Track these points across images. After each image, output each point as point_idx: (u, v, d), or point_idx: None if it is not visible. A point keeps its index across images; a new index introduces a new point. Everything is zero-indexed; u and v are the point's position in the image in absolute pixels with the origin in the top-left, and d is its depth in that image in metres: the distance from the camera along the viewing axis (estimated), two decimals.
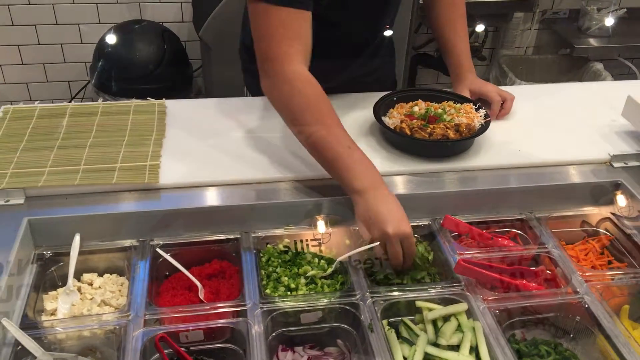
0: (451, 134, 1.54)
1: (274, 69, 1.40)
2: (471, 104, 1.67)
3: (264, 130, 1.68)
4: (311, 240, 1.45)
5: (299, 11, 1.39)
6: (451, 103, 1.68)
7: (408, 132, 1.56)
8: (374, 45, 1.83)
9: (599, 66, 3.75)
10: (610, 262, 1.50)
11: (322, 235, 1.46)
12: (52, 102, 3.71)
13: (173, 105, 1.79)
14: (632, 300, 1.37)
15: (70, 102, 3.70)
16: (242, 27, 1.88)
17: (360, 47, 1.79)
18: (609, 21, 3.79)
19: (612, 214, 1.53)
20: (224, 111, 1.78)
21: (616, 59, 3.97)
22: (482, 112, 1.65)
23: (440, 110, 1.62)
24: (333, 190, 1.47)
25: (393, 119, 1.64)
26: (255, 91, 1.84)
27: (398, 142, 1.58)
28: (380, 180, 1.36)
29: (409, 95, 1.72)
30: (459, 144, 1.56)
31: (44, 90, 3.78)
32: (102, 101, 1.73)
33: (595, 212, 1.55)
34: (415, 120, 1.60)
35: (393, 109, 1.69)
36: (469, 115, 1.62)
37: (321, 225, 1.45)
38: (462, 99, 1.70)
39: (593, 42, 3.83)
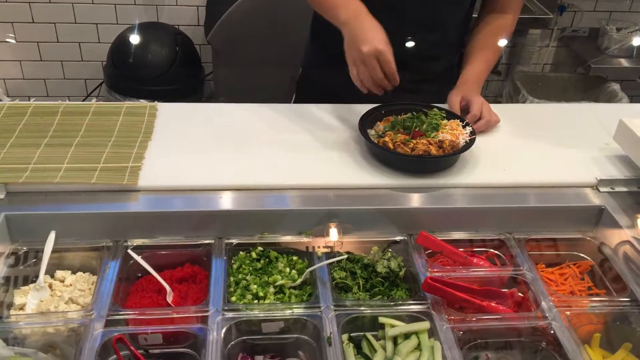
0: (433, 150, 1.53)
1: None
2: (458, 120, 1.66)
3: (249, 137, 1.69)
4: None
5: None
6: (437, 114, 1.66)
7: (391, 147, 1.55)
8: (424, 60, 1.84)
9: (615, 87, 3.68)
10: (590, 289, 1.47)
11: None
12: (68, 99, 3.81)
13: (166, 108, 1.81)
14: (607, 329, 1.34)
15: (84, 100, 3.78)
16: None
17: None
18: (629, 42, 3.72)
19: (594, 239, 1.51)
20: (215, 116, 1.80)
21: (634, 80, 3.90)
22: (468, 129, 1.63)
23: (425, 126, 1.61)
24: (311, 201, 1.48)
25: (379, 132, 1.64)
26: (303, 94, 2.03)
27: (380, 155, 1.58)
28: (358, 11, 1.56)
29: (398, 109, 1.71)
30: (440, 160, 1.54)
31: (61, 87, 3.86)
32: (95, 100, 1.75)
33: (577, 237, 1.53)
34: (400, 134, 1.59)
35: (380, 121, 1.68)
36: (454, 132, 1.60)
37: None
38: (449, 115, 1.68)
39: (611, 62, 3.77)
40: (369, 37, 1.51)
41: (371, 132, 1.64)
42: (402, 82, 1.57)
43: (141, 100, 3.03)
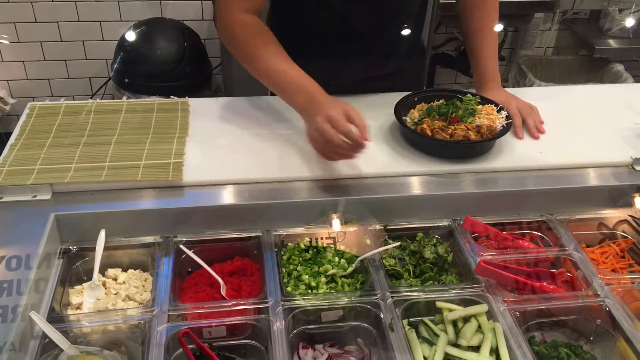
0: (472, 135, 1.54)
1: (218, 17, 1.63)
2: (492, 105, 1.67)
3: (286, 129, 1.69)
4: (326, 238, 1.47)
5: None
6: (472, 99, 1.68)
7: (429, 133, 1.56)
8: (389, 44, 1.83)
9: (619, 67, 3.72)
10: (630, 266, 1.49)
11: (337, 234, 1.47)
12: (74, 98, 3.78)
13: (196, 104, 1.81)
14: None
15: (91, 98, 3.75)
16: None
17: (372, 45, 1.80)
18: (630, 22, 3.75)
19: (632, 217, 1.53)
20: (247, 110, 1.80)
21: (637, 60, 3.93)
22: (504, 113, 1.65)
23: (461, 111, 1.62)
24: (353, 190, 1.49)
25: (414, 119, 1.65)
26: None
27: (419, 142, 1.59)
28: (313, 95, 1.51)
29: (430, 96, 1.72)
30: (480, 145, 1.56)
31: (65, 87, 3.82)
32: (127, 98, 1.75)
33: (615, 215, 1.55)
34: (436, 121, 1.60)
35: (414, 109, 1.69)
36: (490, 117, 1.62)
37: (336, 224, 1.47)
38: (483, 100, 1.70)
39: (614, 43, 3.79)
40: (322, 109, 1.46)
41: (406, 119, 1.65)
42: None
43: (152, 96, 3.02)
